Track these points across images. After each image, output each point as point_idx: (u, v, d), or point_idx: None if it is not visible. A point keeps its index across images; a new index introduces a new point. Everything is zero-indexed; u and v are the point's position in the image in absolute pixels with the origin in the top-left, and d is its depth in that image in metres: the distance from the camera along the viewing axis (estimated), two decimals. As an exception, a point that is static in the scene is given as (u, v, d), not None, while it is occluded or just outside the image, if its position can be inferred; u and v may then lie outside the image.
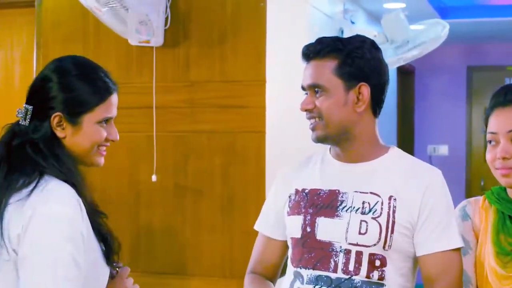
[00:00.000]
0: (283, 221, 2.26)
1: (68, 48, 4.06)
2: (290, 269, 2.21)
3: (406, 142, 7.82)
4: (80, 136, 1.95)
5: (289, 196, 2.25)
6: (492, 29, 7.25)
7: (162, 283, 3.97)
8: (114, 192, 4.05)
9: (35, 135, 1.92)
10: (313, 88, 2.17)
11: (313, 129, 2.19)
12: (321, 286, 2.11)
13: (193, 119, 3.93)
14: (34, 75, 3.85)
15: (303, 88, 2.21)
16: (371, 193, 2.14)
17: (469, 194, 7.83)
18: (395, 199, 2.12)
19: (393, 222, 2.10)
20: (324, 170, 2.24)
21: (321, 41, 2.19)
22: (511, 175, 2.09)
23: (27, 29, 4.51)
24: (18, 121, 1.96)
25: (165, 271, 3.99)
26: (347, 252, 2.11)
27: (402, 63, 5.17)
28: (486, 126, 2.15)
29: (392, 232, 2.10)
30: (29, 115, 1.94)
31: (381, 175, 2.17)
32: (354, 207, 2.13)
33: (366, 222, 2.10)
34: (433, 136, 8.25)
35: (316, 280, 2.12)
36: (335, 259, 2.11)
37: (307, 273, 2.14)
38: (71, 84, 1.94)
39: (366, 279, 2.09)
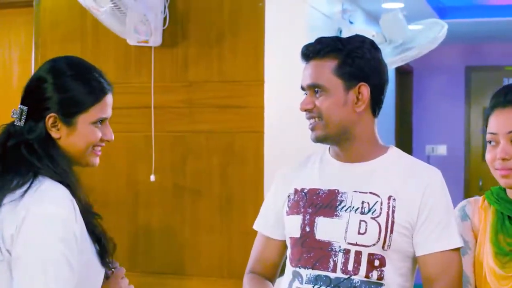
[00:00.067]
0: (282, 221, 2.26)
1: (66, 48, 4.06)
2: (289, 268, 2.21)
3: (405, 142, 7.82)
4: (75, 136, 1.95)
5: (288, 196, 2.25)
6: (490, 29, 7.25)
7: (160, 283, 3.97)
8: (112, 192, 4.05)
9: (30, 136, 1.92)
10: (313, 88, 2.17)
11: (312, 129, 2.18)
12: (320, 286, 2.11)
13: (191, 119, 3.93)
14: (32, 75, 3.85)
15: (303, 88, 2.21)
16: (370, 193, 2.14)
17: (467, 194, 7.83)
18: (394, 199, 2.12)
19: (392, 222, 2.10)
20: (323, 170, 2.24)
21: (320, 41, 2.18)
22: (510, 176, 2.09)
23: (25, 29, 4.51)
24: (14, 121, 1.96)
25: (163, 271, 3.99)
26: (346, 252, 2.11)
27: (400, 63, 5.17)
28: (486, 126, 2.15)
29: (391, 232, 2.10)
30: (24, 116, 1.94)
31: (381, 175, 2.17)
32: (353, 207, 2.13)
33: (366, 222, 2.11)
34: (431, 136, 8.25)
35: (315, 279, 2.12)
36: (334, 259, 2.11)
37: (306, 272, 2.14)
38: (66, 85, 1.94)
39: (365, 279, 2.09)
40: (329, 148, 2.28)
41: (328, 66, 2.15)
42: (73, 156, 1.96)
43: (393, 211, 2.11)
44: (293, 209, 2.22)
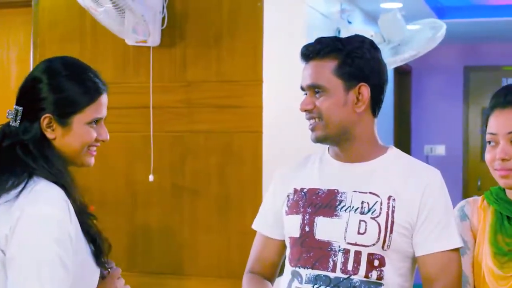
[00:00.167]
0: (282, 220, 2.26)
1: (65, 48, 4.06)
2: (288, 268, 2.21)
3: (403, 142, 7.82)
4: (70, 137, 1.95)
5: (288, 196, 2.25)
6: (489, 29, 7.25)
7: (159, 283, 3.97)
8: (111, 192, 4.05)
9: (25, 137, 1.92)
10: (313, 89, 2.17)
11: (312, 129, 2.18)
12: (320, 286, 2.11)
13: (190, 119, 3.93)
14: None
15: (302, 88, 2.21)
16: (370, 193, 2.14)
17: (466, 194, 7.83)
18: (394, 199, 2.12)
19: (392, 222, 2.10)
20: (323, 169, 2.24)
21: (320, 41, 2.18)
22: (510, 177, 2.09)
23: (24, 29, 4.50)
24: (9, 122, 1.96)
25: (162, 271, 3.99)
26: (346, 252, 2.11)
27: (399, 63, 5.17)
28: (486, 127, 2.15)
29: (391, 232, 2.10)
30: (19, 116, 1.94)
31: (380, 175, 2.17)
32: (353, 207, 2.13)
33: (365, 222, 2.11)
34: (430, 136, 8.25)
35: (315, 279, 2.12)
36: (334, 259, 2.11)
37: (305, 272, 2.14)
38: (61, 85, 1.94)
39: (365, 279, 2.09)
40: (329, 148, 2.28)
41: (328, 66, 2.15)
42: (68, 157, 1.96)
43: (392, 211, 2.11)
44: (293, 208, 2.21)
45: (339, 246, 2.12)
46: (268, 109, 3.82)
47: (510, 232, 2.11)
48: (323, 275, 2.11)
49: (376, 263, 2.10)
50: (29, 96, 1.95)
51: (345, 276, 2.10)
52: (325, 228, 2.14)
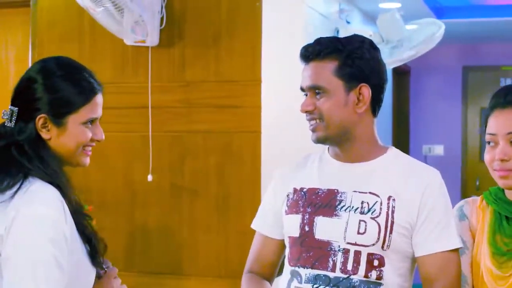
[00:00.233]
0: (281, 220, 2.26)
1: (63, 47, 4.06)
2: (287, 268, 2.21)
3: (402, 142, 7.82)
4: (66, 137, 1.94)
5: (287, 195, 2.25)
6: (487, 29, 7.25)
7: (158, 283, 3.97)
8: (110, 192, 4.05)
9: (20, 137, 1.92)
10: (313, 90, 2.16)
11: (313, 130, 2.18)
12: (320, 285, 2.11)
13: (188, 119, 3.93)
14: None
15: (302, 89, 2.20)
16: (370, 193, 2.14)
17: (464, 194, 7.83)
18: (394, 200, 2.12)
19: (392, 222, 2.10)
20: (323, 169, 2.24)
21: (319, 42, 2.18)
22: (509, 177, 2.09)
23: (22, 28, 4.50)
24: (4, 122, 1.96)
25: (161, 271, 3.99)
26: (346, 252, 2.11)
27: (398, 63, 5.17)
28: (485, 127, 2.15)
29: (391, 232, 2.10)
30: (15, 117, 1.94)
31: (380, 175, 2.17)
32: (353, 207, 2.13)
33: (365, 222, 2.11)
34: (428, 136, 8.24)
35: (315, 279, 2.12)
36: (334, 258, 2.11)
37: (305, 272, 2.14)
38: (56, 85, 1.93)
39: (364, 279, 2.09)
40: (328, 148, 2.28)
41: (329, 67, 2.15)
42: (63, 157, 1.96)
43: (392, 211, 2.11)
44: (292, 208, 2.21)
45: (339, 246, 2.12)
46: (266, 109, 3.82)
47: (509, 232, 2.11)
48: (323, 275, 2.11)
49: (376, 263, 2.10)
50: (24, 96, 1.95)
51: (345, 276, 2.10)
52: (325, 228, 2.14)
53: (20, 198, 1.83)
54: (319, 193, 2.18)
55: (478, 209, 2.21)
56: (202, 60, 3.92)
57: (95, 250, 1.96)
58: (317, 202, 2.17)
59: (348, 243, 2.11)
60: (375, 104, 2.20)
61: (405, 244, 2.13)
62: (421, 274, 2.15)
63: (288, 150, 3.87)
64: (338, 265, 2.11)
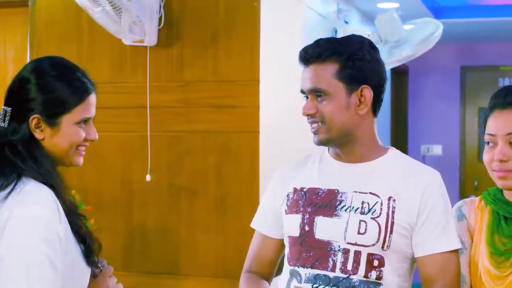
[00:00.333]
0: (281, 219, 2.26)
1: (62, 47, 4.06)
2: (287, 267, 2.21)
3: (400, 142, 7.83)
4: (59, 137, 1.94)
5: (287, 195, 2.25)
6: (485, 29, 7.26)
7: (156, 283, 3.97)
8: (108, 192, 4.05)
9: (13, 137, 1.91)
10: (315, 93, 2.15)
11: (315, 133, 2.17)
12: (319, 285, 2.11)
13: (187, 119, 3.93)
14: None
15: (303, 92, 2.20)
16: (370, 193, 2.14)
17: (463, 193, 7.84)
18: (394, 200, 2.12)
19: (392, 223, 2.10)
20: (323, 169, 2.24)
21: (319, 44, 2.16)
22: (508, 178, 2.09)
23: (21, 28, 4.50)
24: None
25: (159, 271, 3.99)
26: (346, 252, 2.11)
27: (396, 63, 5.17)
28: (484, 127, 2.14)
29: (391, 232, 2.10)
30: (8, 117, 1.94)
31: (380, 176, 2.17)
32: (353, 207, 2.13)
33: (365, 222, 2.11)
34: (426, 136, 8.25)
35: (315, 279, 2.12)
36: (334, 258, 2.11)
37: (305, 272, 2.14)
38: (49, 85, 1.93)
39: (364, 279, 2.09)
40: (328, 148, 2.28)
41: (329, 70, 2.14)
42: (57, 157, 1.96)
43: (393, 212, 2.11)
44: (292, 208, 2.21)
45: (339, 246, 2.12)
46: (265, 109, 3.82)
47: (507, 232, 2.11)
48: (323, 275, 2.11)
49: (376, 263, 2.10)
50: (17, 96, 1.94)
51: (345, 276, 2.10)
52: (325, 228, 2.14)
53: (14, 199, 1.82)
54: (319, 193, 2.18)
55: (476, 210, 2.21)
56: (201, 60, 3.92)
57: (89, 250, 1.95)
58: (317, 202, 2.17)
59: (348, 243, 2.11)
60: (376, 104, 2.20)
61: (405, 245, 2.13)
62: (420, 274, 2.15)
63: (287, 150, 3.88)
64: (338, 265, 2.10)
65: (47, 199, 1.84)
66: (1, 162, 1.89)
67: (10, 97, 1.96)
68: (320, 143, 2.19)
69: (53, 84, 1.93)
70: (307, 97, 2.18)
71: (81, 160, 2.01)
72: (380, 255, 2.11)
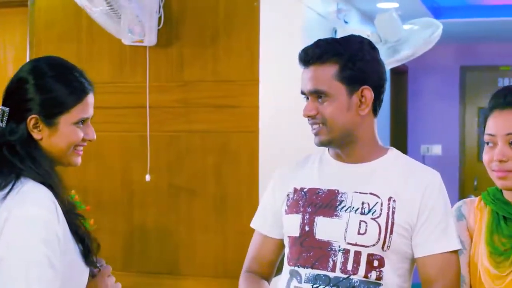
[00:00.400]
0: (281, 220, 2.26)
1: (61, 47, 4.06)
2: (287, 267, 2.21)
3: (400, 142, 7.83)
4: (57, 137, 1.94)
5: (287, 195, 2.25)
6: (485, 29, 7.26)
7: (155, 283, 3.97)
8: (107, 192, 4.05)
9: (11, 138, 1.91)
10: (315, 94, 2.15)
11: (316, 134, 2.17)
12: (319, 285, 2.11)
13: (186, 119, 3.93)
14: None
15: (303, 93, 2.19)
16: (370, 193, 2.14)
17: (462, 193, 7.84)
18: (394, 200, 2.12)
19: (392, 223, 2.10)
20: (323, 170, 2.24)
21: (319, 44, 2.16)
22: (507, 178, 2.09)
23: (20, 28, 4.50)
24: None
25: (158, 271, 3.99)
26: (346, 252, 2.11)
27: (396, 63, 5.17)
28: (484, 127, 2.14)
29: (391, 233, 2.10)
30: (6, 117, 1.94)
31: (381, 176, 2.17)
32: (353, 207, 2.13)
33: (366, 223, 2.11)
34: (426, 136, 8.25)
35: (315, 279, 2.12)
36: (334, 259, 2.11)
37: (305, 272, 2.14)
38: (47, 85, 1.93)
39: (364, 279, 2.09)
40: (328, 148, 2.28)
41: (329, 71, 2.13)
42: (55, 157, 1.96)
43: (393, 212, 2.11)
44: (292, 208, 2.21)
45: (339, 246, 2.12)
46: (264, 109, 3.82)
47: (506, 232, 2.12)
48: (323, 275, 2.11)
49: (376, 263, 2.10)
50: (15, 96, 1.94)
51: (345, 276, 2.10)
52: (325, 228, 2.14)
53: (12, 199, 1.82)
54: (320, 193, 2.18)
55: (476, 210, 2.21)
56: (200, 60, 3.92)
57: (88, 250, 1.95)
58: (318, 202, 2.17)
59: (349, 243, 2.11)
60: (376, 104, 2.20)
61: (405, 245, 2.13)
62: (420, 275, 2.15)
63: (286, 150, 3.88)
64: (338, 265, 2.11)
65: (46, 199, 1.84)
66: None
67: (8, 97, 1.96)
68: (321, 144, 2.18)
69: (51, 84, 1.93)
70: (307, 98, 2.18)
71: (79, 160, 2.01)
72: (380, 256, 2.11)
